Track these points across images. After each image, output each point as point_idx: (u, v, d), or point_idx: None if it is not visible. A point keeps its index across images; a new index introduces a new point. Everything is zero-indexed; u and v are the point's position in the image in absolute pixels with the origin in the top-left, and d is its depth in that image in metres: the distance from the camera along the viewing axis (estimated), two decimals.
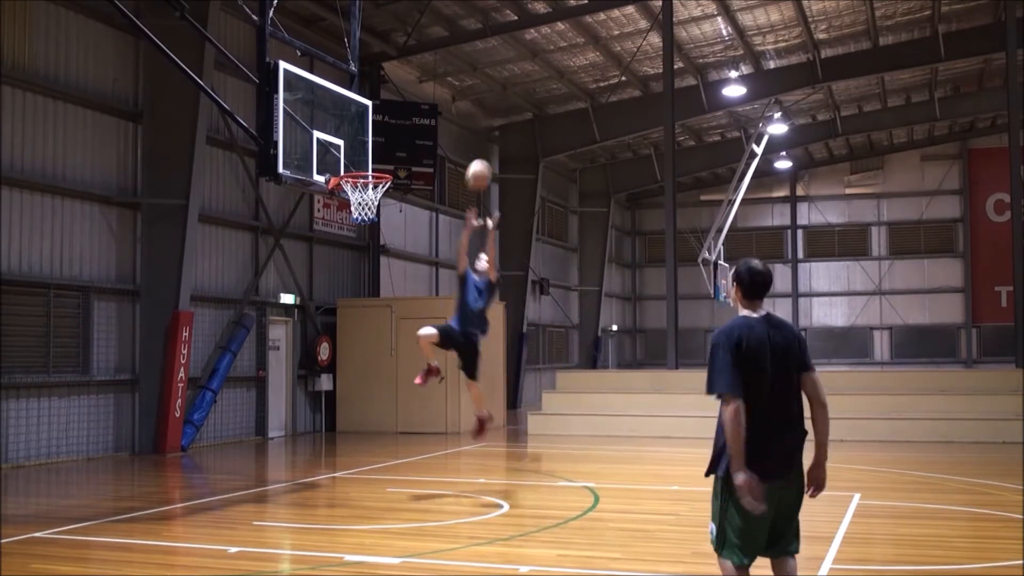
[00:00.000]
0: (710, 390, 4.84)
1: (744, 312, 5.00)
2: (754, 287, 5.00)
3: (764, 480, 4.76)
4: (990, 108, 30.36)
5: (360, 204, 10.54)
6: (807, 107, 30.06)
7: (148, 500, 10.67)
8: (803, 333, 5.09)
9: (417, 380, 11.15)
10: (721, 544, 4.88)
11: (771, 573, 5.00)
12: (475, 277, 10.73)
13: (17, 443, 13.35)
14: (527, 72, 24.49)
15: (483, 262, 10.78)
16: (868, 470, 12.96)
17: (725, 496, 4.86)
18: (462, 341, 10.67)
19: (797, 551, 4.96)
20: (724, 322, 5.04)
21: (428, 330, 10.52)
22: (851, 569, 6.99)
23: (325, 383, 19.49)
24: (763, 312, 5.00)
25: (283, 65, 9.86)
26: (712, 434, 5.00)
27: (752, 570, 4.92)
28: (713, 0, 21.52)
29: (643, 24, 22.13)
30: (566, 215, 33.56)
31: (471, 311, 10.62)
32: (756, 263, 5.05)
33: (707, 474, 4.98)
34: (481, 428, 11.28)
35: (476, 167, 10.74)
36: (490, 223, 10.83)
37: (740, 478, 4.66)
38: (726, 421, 4.72)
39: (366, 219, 10.73)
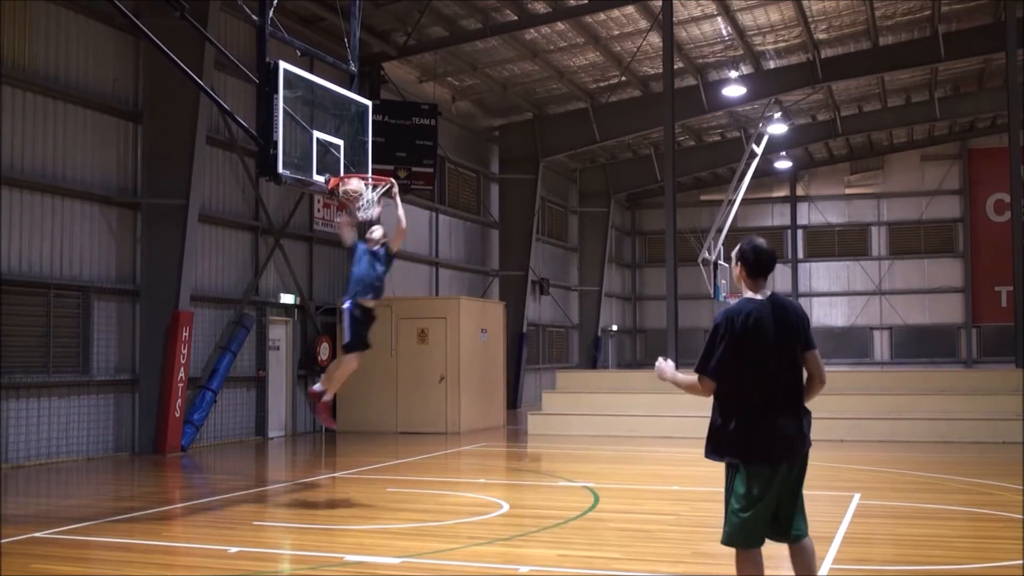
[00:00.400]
0: (698, 368, 4.93)
1: (748, 294, 4.97)
2: (759, 265, 4.95)
3: (770, 465, 4.79)
4: (990, 108, 30.36)
5: (362, 204, 10.53)
6: (807, 107, 30.06)
7: (148, 500, 10.67)
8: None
9: (331, 424, 10.90)
10: (725, 528, 4.90)
11: (772, 574, 5.01)
12: (370, 247, 10.45)
13: (17, 443, 13.35)
14: (527, 72, 24.49)
15: (377, 232, 10.46)
16: (868, 470, 12.95)
17: (728, 482, 4.89)
18: (363, 319, 10.38)
19: (806, 532, 4.97)
20: None
21: (354, 362, 10.36)
22: (851, 569, 6.99)
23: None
24: (767, 293, 4.97)
25: (283, 65, 9.85)
26: (701, 435, 5.03)
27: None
28: (713, 0, 21.52)
29: (643, 24, 22.13)
30: (566, 215, 33.56)
31: (370, 280, 10.32)
32: (760, 240, 5.03)
33: (706, 455, 5.00)
34: (323, 407, 10.65)
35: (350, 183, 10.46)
36: (394, 190, 10.58)
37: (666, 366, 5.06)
38: (696, 387, 4.91)
39: (371, 216, 10.73)
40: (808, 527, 5.02)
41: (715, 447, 4.94)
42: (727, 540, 4.87)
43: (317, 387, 10.72)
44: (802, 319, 4.98)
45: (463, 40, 21.41)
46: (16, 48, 13.51)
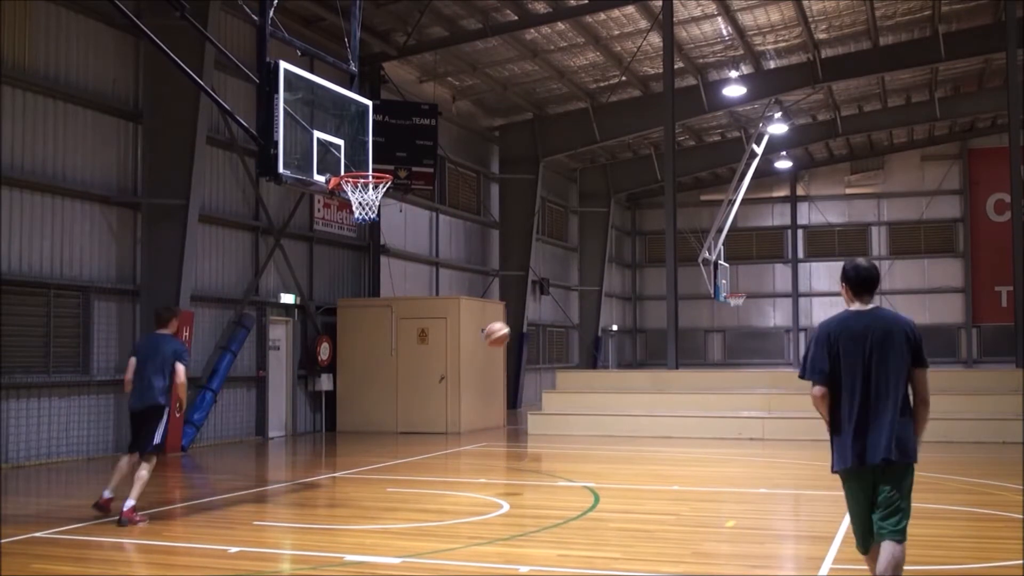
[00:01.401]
0: (800, 375, 5.38)
1: (855, 307, 5.33)
2: (859, 281, 5.33)
3: (847, 469, 5.15)
4: (990, 108, 30.38)
5: (361, 204, 10.54)
6: (807, 107, 30.06)
7: (148, 500, 10.64)
8: (913, 329, 5.31)
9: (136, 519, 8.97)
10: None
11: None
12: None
13: (17, 443, 13.34)
14: (527, 72, 24.49)
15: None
16: None
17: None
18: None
19: (894, 539, 5.12)
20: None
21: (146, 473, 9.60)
22: (851, 569, 6.99)
23: (325, 383, 19.49)
24: (870, 306, 5.29)
25: (283, 65, 9.86)
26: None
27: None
28: (713, 0, 21.52)
29: (643, 24, 22.13)
30: (566, 215, 33.56)
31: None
32: (860, 260, 5.46)
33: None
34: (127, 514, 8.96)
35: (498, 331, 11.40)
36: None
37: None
38: (813, 402, 5.27)
39: (367, 219, 10.73)
40: (897, 534, 5.13)
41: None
42: (857, 546, 5.35)
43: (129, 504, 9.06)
44: (910, 335, 5.23)
45: (463, 40, 21.41)
46: (16, 48, 13.50)
